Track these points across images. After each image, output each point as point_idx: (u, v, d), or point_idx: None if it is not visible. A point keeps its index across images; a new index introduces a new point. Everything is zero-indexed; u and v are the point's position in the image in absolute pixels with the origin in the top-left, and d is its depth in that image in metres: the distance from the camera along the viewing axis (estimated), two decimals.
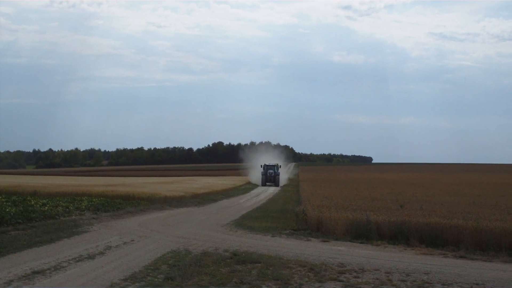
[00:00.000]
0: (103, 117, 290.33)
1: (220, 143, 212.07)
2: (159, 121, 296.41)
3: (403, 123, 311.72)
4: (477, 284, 12.15)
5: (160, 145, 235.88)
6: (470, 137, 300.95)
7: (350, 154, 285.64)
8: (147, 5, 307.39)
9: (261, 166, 69.41)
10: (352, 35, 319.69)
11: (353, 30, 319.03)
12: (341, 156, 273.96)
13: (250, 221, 24.73)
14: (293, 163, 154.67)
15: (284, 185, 65.93)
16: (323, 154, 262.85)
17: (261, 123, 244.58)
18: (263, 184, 65.91)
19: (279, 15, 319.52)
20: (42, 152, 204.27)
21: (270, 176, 66.68)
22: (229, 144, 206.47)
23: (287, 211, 29.09)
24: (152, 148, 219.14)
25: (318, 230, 20.76)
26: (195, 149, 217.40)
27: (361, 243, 18.34)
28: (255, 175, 72.13)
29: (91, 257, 14.39)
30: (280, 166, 71.27)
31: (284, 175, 76.11)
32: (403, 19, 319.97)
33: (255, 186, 64.24)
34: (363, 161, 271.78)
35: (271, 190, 56.46)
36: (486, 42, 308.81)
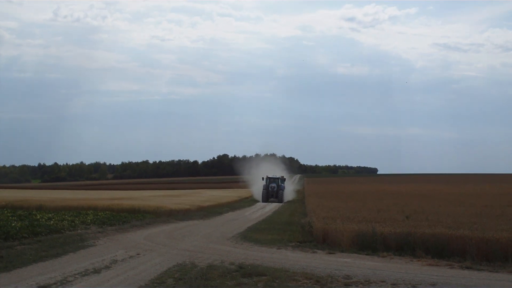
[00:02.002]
0: (108, 130, 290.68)
1: (225, 156, 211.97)
2: (164, 134, 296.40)
3: (409, 134, 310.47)
4: None
5: (165, 158, 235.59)
6: (475, 147, 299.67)
7: (355, 166, 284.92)
8: (151, 18, 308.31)
9: (263, 178, 61.20)
10: (357, 47, 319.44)
11: (358, 41, 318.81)
12: (347, 167, 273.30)
13: (255, 234, 24.71)
14: (298, 175, 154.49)
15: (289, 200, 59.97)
16: (328, 165, 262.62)
17: (266, 135, 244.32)
18: (264, 200, 57.72)
19: (283, 27, 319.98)
20: (47, 166, 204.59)
21: (272, 191, 58.43)
22: (234, 156, 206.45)
23: (293, 223, 29.07)
24: (157, 161, 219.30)
25: (324, 242, 20.72)
26: (200, 161, 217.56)
27: (367, 254, 18.31)
28: (258, 189, 63.08)
29: (97, 271, 14.40)
30: (284, 179, 63.20)
31: (289, 187, 69.59)
32: (407, 31, 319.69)
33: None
34: (369, 172, 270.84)
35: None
36: (490, 52, 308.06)
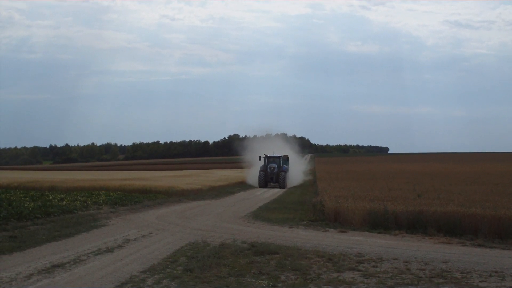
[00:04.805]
0: (119, 111, 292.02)
1: (236, 136, 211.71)
2: (174, 114, 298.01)
3: (419, 112, 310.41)
4: (496, 272, 12.07)
5: (176, 138, 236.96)
6: (486, 125, 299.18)
7: (366, 145, 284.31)
8: None
9: (260, 158, 49.48)
10: (367, 25, 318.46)
11: (368, 19, 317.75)
12: (357, 146, 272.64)
13: (267, 213, 24.76)
14: (309, 155, 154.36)
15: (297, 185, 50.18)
16: (339, 145, 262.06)
17: (276, 115, 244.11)
18: (262, 185, 46.97)
19: (292, 5, 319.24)
20: (58, 148, 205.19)
21: (271, 173, 47.45)
22: (245, 136, 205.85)
23: (304, 202, 29.09)
24: (168, 142, 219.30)
25: (336, 220, 20.73)
26: (211, 142, 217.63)
27: (379, 233, 18.30)
28: (254, 171, 51.31)
29: (110, 250, 14.48)
30: (288, 158, 51.97)
31: (299, 168, 62.52)
32: (417, 8, 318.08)
33: None
34: (380, 152, 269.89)
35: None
36: (502, 29, 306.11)
